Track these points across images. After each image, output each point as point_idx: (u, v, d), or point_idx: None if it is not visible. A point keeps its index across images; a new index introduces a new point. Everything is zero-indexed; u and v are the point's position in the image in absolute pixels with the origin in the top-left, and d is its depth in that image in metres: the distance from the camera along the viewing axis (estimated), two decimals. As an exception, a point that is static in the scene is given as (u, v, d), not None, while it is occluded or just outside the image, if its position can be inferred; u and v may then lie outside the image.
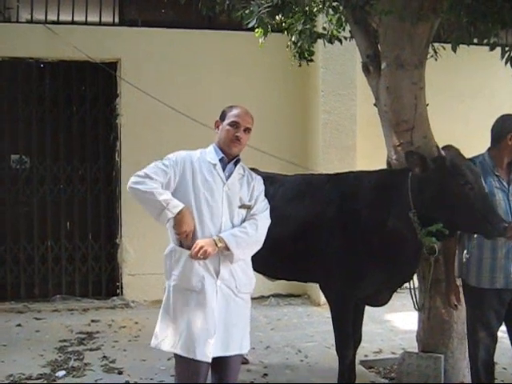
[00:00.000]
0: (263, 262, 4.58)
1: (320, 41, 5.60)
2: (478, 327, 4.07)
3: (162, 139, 7.06)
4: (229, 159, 3.56)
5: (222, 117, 3.59)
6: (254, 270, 4.78)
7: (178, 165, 3.43)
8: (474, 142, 7.49)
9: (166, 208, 3.24)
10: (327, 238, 4.23)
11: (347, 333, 4.32)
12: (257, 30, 5.37)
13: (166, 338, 3.40)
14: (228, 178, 3.53)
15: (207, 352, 3.33)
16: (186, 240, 3.36)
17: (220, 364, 3.45)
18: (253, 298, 7.42)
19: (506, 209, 3.93)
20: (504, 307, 4.02)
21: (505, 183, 3.97)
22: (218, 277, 3.42)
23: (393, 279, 4.24)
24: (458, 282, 4.22)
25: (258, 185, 3.66)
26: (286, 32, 5.62)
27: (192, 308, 3.36)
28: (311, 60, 5.75)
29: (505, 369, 5.16)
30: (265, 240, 4.06)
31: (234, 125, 3.51)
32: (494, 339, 4.08)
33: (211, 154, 3.54)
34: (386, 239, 4.07)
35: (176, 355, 3.42)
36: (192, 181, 3.42)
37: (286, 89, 7.76)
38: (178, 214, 3.28)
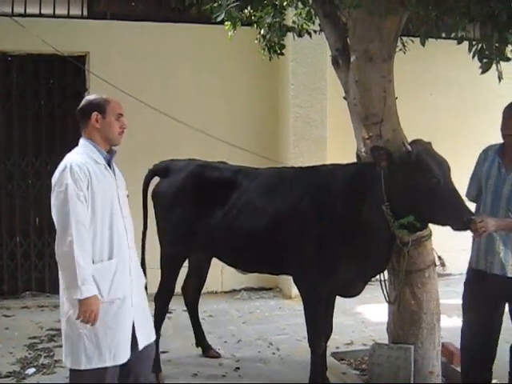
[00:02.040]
0: (236, 256, 4.62)
1: (290, 34, 5.62)
2: (464, 309, 4.19)
3: (131, 133, 6.88)
4: (110, 154, 3.51)
5: (100, 109, 3.45)
6: (226, 263, 4.83)
7: (87, 181, 3.28)
8: (443, 134, 7.66)
9: (78, 287, 3.16)
10: (301, 231, 4.26)
11: (319, 324, 4.36)
12: (226, 23, 5.37)
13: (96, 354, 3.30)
14: (115, 175, 3.51)
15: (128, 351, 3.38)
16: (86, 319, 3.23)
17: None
18: (224, 292, 7.64)
19: (495, 194, 3.97)
20: (495, 296, 4.02)
21: (503, 170, 3.98)
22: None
23: (366, 271, 4.29)
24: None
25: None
26: (255, 25, 5.62)
27: (112, 318, 3.34)
28: (281, 54, 5.75)
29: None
30: (238, 233, 4.10)
31: (119, 117, 3.49)
32: (483, 331, 4.09)
33: (94, 153, 3.42)
34: (359, 231, 4.12)
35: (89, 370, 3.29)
36: (93, 192, 3.30)
37: (257, 82, 7.75)
38: (86, 299, 3.18)
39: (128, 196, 3.59)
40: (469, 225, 3.73)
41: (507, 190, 3.95)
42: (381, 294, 4.43)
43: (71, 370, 3.35)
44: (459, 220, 3.77)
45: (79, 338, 3.27)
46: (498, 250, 3.98)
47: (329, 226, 4.19)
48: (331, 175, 4.36)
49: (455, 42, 4.02)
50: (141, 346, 3.45)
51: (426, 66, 8.13)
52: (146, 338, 3.51)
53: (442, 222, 3.94)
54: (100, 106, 3.43)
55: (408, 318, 4.56)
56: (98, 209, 3.31)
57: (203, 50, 7.58)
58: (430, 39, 4.13)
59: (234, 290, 7.73)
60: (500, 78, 3.71)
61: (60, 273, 3.31)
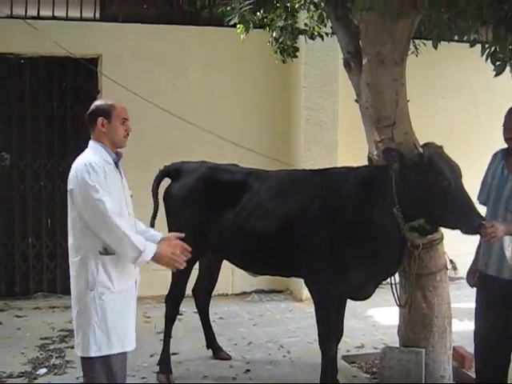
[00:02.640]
0: (246, 258, 4.62)
1: (302, 37, 5.63)
2: (476, 314, 4.17)
3: (143, 135, 7.01)
4: (118, 156, 3.63)
5: (106, 114, 3.58)
6: (237, 266, 4.84)
7: (103, 175, 3.39)
8: (455, 138, 7.64)
9: (142, 252, 3.31)
10: (312, 233, 4.27)
11: (331, 327, 4.37)
12: (238, 26, 5.39)
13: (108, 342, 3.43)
14: (122, 175, 3.64)
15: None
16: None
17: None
18: (235, 294, 7.64)
19: (497, 196, 3.98)
20: (505, 300, 3.98)
21: (506, 171, 3.99)
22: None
23: (377, 274, 4.30)
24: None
25: None
26: (267, 28, 5.63)
27: (121, 306, 3.47)
28: (295, 56, 5.77)
29: None
30: (249, 235, 4.13)
31: (125, 122, 3.63)
32: (495, 334, 4.06)
33: (104, 154, 3.53)
34: (371, 234, 4.12)
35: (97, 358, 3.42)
36: (108, 188, 3.39)
37: (269, 85, 7.75)
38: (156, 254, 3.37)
39: (132, 196, 3.72)
40: (479, 229, 3.72)
41: (508, 191, 3.96)
42: (391, 297, 4.43)
43: (82, 358, 3.48)
44: (470, 224, 3.76)
45: (90, 326, 3.39)
46: (494, 252, 3.99)
47: (340, 229, 4.19)
48: (342, 178, 4.36)
49: (467, 45, 4.01)
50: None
51: (438, 70, 8.11)
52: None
53: (452, 226, 3.94)
54: (106, 112, 3.58)
55: (419, 322, 4.55)
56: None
57: (214, 52, 7.58)
58: (442, 42, 4.13)
59: (245, 293, 7.73)
60: (516, 80, 3.70)
61: (117, 251, 3.37)
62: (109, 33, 7.35)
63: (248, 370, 5.12)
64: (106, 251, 3.39)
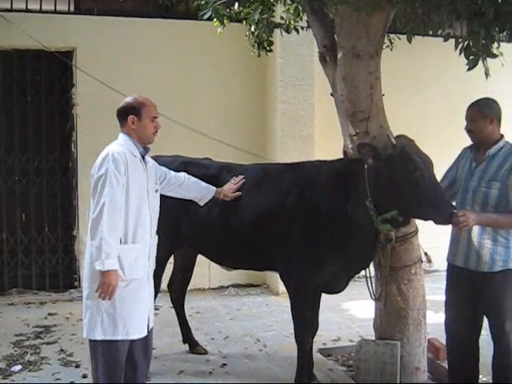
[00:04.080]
0: (221, 252, 4.62)
1: (278, 31, 5.61)
2: (447, 305, 4.30)
3: (119, 130, 6.96)
4: (145, 149, 3.87)
5: (136, 112, 3.77)
6: (212, 260, 4.83)
7: (124, 168, 3.61)
8: (429, 131, 7.69)
9: (101, 259, 3.46)
10: (286, 227, 4.27)
11: (306, 320, 4.38)
12: (214, 20, 5.36)
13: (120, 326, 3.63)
14: (147, 169, 3.86)
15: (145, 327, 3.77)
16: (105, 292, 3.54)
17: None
18: (212, 289, 7.63)
19: (466, 188, 4.09)
20: (472, 291, 4.09)
21: (474, 164, 4.09)
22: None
23: (351, 267, 4.32)
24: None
25: (155, 163, 4.11)
26: (244, 22, 5.61)
27: (130, 295, 3.66)
28: (270, 50, 5.75)
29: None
30: (223, 229, 4.18)
31: (154, 119, 3.84)
32: (464, 325, 4.17)
33: (132, 147, 3.76)
34: (344, 227, 4.14)
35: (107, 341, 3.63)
36: (128, 179, 3.63)
37: (245, 79, 7.73)
38: (107, 272, 3.49)
39: (157, 191, 3.96)
40: (451, 218, 3.77)
41: (475, 183, 4.05)
42: (367, 290, 4.45)
43: (89, 341, 3.70)
44: (442, 213, 3.81)
45: (98, 310, 3.61)
46: (461, 243, 4.09)
47: (314, 222, 4.20)
48: (316, 171, 4.37)
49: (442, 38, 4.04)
50: (151, 326, 3.84)
51: (413, 64, 8.17)
52: (152, 320, 3.87)
53: (424, 216, 3.98)
54: (136, 110, 3.77)
55: (394, 315, 4.58)
56: (131, 196, 3.63)
57: (192, 45, 7.54)
58: (417, 36, 4.15)
59: (222, 287, 7.72)
60: (487, 74, 3.72)
61: (92, 246, 3.53)
62: (84, 26, 7.26)
63: (224, 364, 5.11)
64: (125, 240, 3.61)
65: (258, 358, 5.31)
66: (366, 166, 4.04)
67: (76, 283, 7.45)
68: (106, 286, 3.48)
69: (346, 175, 4.21)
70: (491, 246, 4.01)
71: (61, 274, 7.50)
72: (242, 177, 4.48)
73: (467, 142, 4.26)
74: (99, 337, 3.62)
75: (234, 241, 4.47)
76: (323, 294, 4.64)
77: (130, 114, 3.76)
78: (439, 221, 3.88)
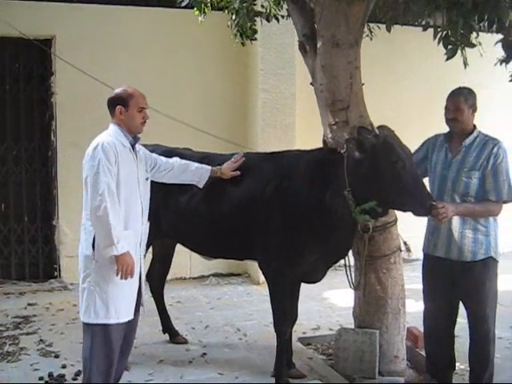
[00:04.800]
0: (200, 242, 4.60)
1: (260, 20, 5.59)
2: (424, 295, 4.34)
3: (100, 119, 6.81)
4: (135, 139, 3.94)
5: (124, 103, 3.84)
6: (191, 249, 4.81)
7: (115, 158, 3.68)
8: (407, 120, 7.70)
9: (114, 244, 3.58)
10: (265, 216, 4.26)
11: (285, 309, 4.38)
12: (194, 8, 5.33)
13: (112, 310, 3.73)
14: (137, 158, 3.94)
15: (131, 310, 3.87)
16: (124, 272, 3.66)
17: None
18: (193, 278, 7.62)
19: (441, 179, 4.12)
20: (451, 280, 4.13)
21: (449, 154, 4.12)
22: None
23: (329, 256, 4.32)
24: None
25: (145, 151, 4.19)
26: (226, 10, 5.59)
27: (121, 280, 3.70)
28: (254, 39, 5.73)
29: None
30: (202, 219, 4.42)
31: (142, 110, 3.89)
32: (442, 314, 4.23)
33: (121, 136, 3.82)
34: (322, 217, 4.14)
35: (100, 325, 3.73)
36: (118, 169, 3.70)
37: (226, 68, 7.69)
38: (122, 255, 3.62)
39: (147, 179, 4.03)
40: (431, 210, 3.79)
41: (453, 173, 4.08)
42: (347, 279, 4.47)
43: (83, 324, 3.82)
44: (422, 205, 3.82)
45: (92, 294, 3.71)
46: (442, 234, 4.11)
47: (292, 212, 4.19)
48: (295, 161, 4.37)
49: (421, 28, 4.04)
50: (142, 311, 4.02)
51: (393, 54, 8.19)
52: (143, 305, 4.03)
53: (404, 208, 4.00)
54: (124, 100, 3.84)
55: (373, 303, 4.61)
56: (121, 185, 3.69)
57: (173, 34, 7.48)
58: (397, 26, 4.14)
59: (203, 276, 7.70)
60: (465, 64, 3.72)
61: (97, 235, 3.67)
62: (63, 13, 7.16)
63: (204, 354, 5.10)
64: None
65: (238, 347, 5.32)
66: (345, 156, 4.03)
67: (56, 273, 7.41)
68: (126, 266, 3.62)
69: (324, 165, 4.21)
70: (472, 236, 4.06)
71: (41, 264, 7.45)
72: (242, 155, 4.52)
73: (445, 130, 4.27)
74: (92, 320, 3.72)
75: (213, 230, 4.46)
76: (304, 284, 4.65)
77: (118, 105, 3.83)
78: (419, 212, 3.90)
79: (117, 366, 3.91)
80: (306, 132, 7.25)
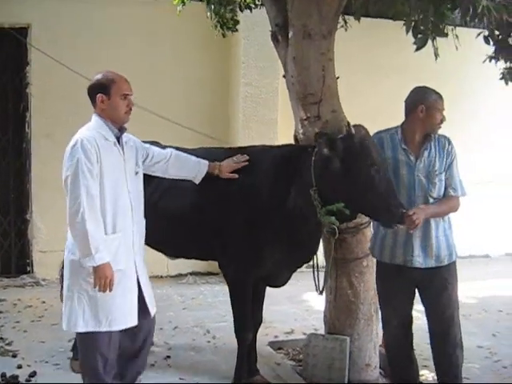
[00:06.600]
0: (161, 240, 4.39)
1: (245, 11, 5.43)
2: (383, 305, 4.09)
3: (76, 111, 6.62)
4: (121, 130, 3.62)
5: (104, 90, 3.51)
6: (152, 248, 4.59)
7: (96, 155, 3.40)
8: (399, 118, 7.44)
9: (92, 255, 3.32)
10: (225, 214, 4.04)
11: (246, 314, 4.14)
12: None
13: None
14: (123, 151, 3.61)
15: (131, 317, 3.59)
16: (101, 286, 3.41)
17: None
18: (170, 276, 7.41)
19: (409, 183, 3.82)
20: (411, 287, 3.93)
21: (412, 157, 3.84)
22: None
23: (292, 259, 4.08)
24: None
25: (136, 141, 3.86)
26: (206, 1, 5.43)
27: (116, 284, 3.44)
28: (235, 30, 5.56)
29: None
30: (162, 216, 4.19)
31: (126, 97, 3.56)
32: (402, 320, 4.01)
33: (104, 129, 3.52)
34: (286, 217, 3.90)
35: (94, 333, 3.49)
36: (101, 167, 3.42)
37: (207, 60, 7.48)
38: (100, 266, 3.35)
39: (137, 173, 3.71)
40: (402, 218, 3.55)
41: (422, 176, 3.81)
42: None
43: (76, 333, 3.63)
44: (394, 213, 3.56)
45: (79, 302, 3.46)
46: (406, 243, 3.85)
47: (254, 210, 3.95)
48: (259, 157, 4.11)
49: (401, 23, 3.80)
50: (152, 313, 3.75)
51: (383, 49, 7.89)
52: (153, 306, 3.77)
53: (373, 213, 3.75)
54: (104, 87, 3.50)
55: (344, 308, 4.42)
56: (106, 183, 3.42)
57: (152, 24, 7.27)
58: (377, 20, 3.92)
59: (181, 275, 7.52)
60: (436, 55, 3.50)
61: (74, 242, 3.43)
62: (39, 2, 6.93)
63: (168, 357, 4.90)
64: (105, 231, 3.44)
65: (205, 350, 5.12)
66: (314, 153, 3.79)
67: (29, 268, 7.23)
68: (103, 279, 3.35)
69: (290, 161, 3.96)
70: (445, 240, 3.86)
71: (13, 259, 7.26)
72: (246, 157, 4.08)
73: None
74: (81, 329, 3.48)
75: (172, 228, 4.25)
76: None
77: (98, 93, 3.49)
78: (389, 220, 3.63)
79: (127, 371, 3.81)
80: (289, 128, 7.01)
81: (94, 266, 3.33)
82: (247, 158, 4.07)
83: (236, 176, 4.02)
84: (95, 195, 3.35)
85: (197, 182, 4.06)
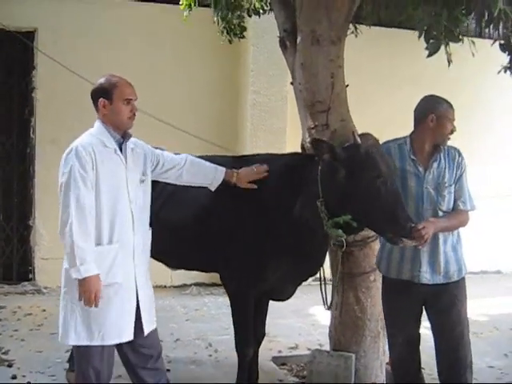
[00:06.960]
0: (162, 250, 4.23)
1: (254, 17, 5.36)
2: (389, 322, 3.91)
3: (81, 116, 6.52)
4: (124, 138, 3.46)
5: (106, 95, 3.36)
6: (153, 258, 4.44)
7: (92, 163, 3.27)
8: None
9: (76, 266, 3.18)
10: (228, 226, 3.88)
11: (247, 329, 3.99)
12: (181, 2, 5.08)
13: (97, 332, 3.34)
14: (126, 159, 3.44)
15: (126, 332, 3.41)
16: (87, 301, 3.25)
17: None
18: (174, 287, 7.27)
19: (417, 195, 3.66)
20: (418, 303, 3.77)
21: (421, 168, 3.67)
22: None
23: (297, 272, 3.93)
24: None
25: (146, 148, 3.67)
26: (212, 6, 5.33)
27: (107, 300, 3.31)
28: (242, 36, 5.47)
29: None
30: (163, 226, 3.98)
31: (129, 102, 3.42)
32: (409, 338, 3.83)
33: (105, 136, 3.38)
34: (291, 228, 3.73)
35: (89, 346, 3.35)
36: (97, 174, 3.29)
37: (215, 67, 7.40)
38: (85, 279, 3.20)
39: (143, 181, 3.54)
40: (411, 233, 3.37)
41: (431, 189, 3.65)
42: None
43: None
44: (402, 227, 3.37)
45: (72, 313, 3.33)
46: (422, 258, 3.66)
47: (258, 222, 3.79)
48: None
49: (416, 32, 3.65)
50: (146, 332, 3.50)
51: (398, 60, 7.78)
52: (150, 323, 3.56)
53: (380, 227, 3.56)
54: (106, 92, 3.37)
55: (351, 324, 4.27)
56: (102, 192, 3.29)
57: (160, 30, 7.22)
58: (390, 30, 3.78)
59: (185, 285, 7.41)
60: (449, 61, 3.35)
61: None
62: (46, 6, 6.91)
63: (168, 370, 4.67)
64: (99, 242, 3.31)
65: (206, 363, 4.99)
66: (320, 163, 3.64)
67: (30, 275, 7.14)
68: (88, 293, 3.18)
69: (297, 171, 3.79)
70: (454, 255, 3.70)
71: (15, 266, 7.18)
72: (266, 167, 3.84)
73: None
74: (72, 342, 3.36)
75: (173, 239, 4.10)
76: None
77: (100, 97, 3.35)
78: (397, 234, 3.42)
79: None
80: (298, 138, 6.88)
81: (79, 279, 3.18)
82: (267, 168, 3.85)
83: (255, 186, 3.82)
84: (87, 204, 3.21)
85: (212, 188, 3.86)
